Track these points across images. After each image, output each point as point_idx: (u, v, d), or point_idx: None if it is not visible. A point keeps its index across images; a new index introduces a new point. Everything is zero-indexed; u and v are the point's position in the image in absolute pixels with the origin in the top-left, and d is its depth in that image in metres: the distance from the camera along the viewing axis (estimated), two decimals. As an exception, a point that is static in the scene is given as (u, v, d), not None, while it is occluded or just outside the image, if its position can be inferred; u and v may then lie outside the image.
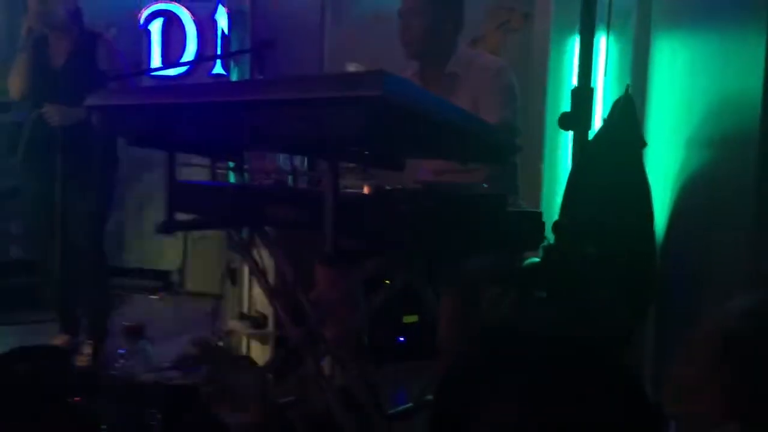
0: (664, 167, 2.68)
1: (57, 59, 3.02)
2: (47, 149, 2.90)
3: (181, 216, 2.49)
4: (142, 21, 5.00)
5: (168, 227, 2.33)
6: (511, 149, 2.15)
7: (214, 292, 3.54)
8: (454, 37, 2.32)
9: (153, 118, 2.05)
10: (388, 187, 1.92)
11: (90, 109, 2.49)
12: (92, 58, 3.01)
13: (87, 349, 3.02)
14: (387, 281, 2.57)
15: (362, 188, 2.00)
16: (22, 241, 4.94)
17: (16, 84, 2.96)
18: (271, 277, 2.60)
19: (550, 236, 1.77)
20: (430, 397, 2.35)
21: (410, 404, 2.59)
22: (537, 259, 1.90)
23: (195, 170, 3.01)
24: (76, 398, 1.55)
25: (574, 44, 3.80)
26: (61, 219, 2.96)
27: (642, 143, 2.56)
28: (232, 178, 3.32)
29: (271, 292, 2.49)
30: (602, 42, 3.43)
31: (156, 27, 5.00)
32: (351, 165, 2.56)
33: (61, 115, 2.87)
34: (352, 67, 3.16)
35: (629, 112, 2.52)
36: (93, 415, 1.28)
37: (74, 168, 2.91)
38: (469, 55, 2.34)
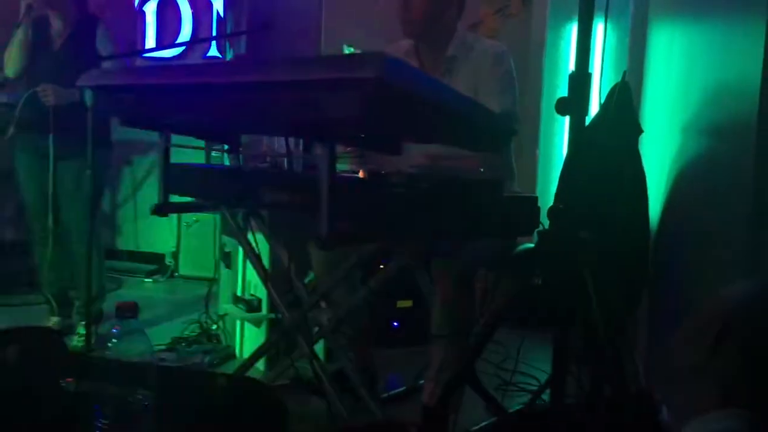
0: (660, 154, 2.68)
1: (56, 40, 2.99)
2: (40, 129, 2.87)
3: (176, 199, 2.49)
4: (137, 2, 4.96)
5: (162, 209, 2.32)
6: (509, 136, 2.14)
7: (208, 276, 3.53)
8: (455, 20, 2.29)
9: (146, 99, 2.03)
10: (383, 172, 1.91)
11: (82, 88, 2.47)
12: (91, 41, 2.98)
13: (80, 331, 3.02)
14: (382, 266, 2.57)
15: (358, 172, 2.00)
16: (16, 223, 4.92)
17: (12, 62, 2.92)
18: (265, 261, 2.60)
19: (545, 221, 1.76)
20: (422, 381, 2.35)
21: (403, 388, 2.60)
22: (532, 245, 1.90)
23: (190, 153, 2.99)
24: (69, 379, 1.54)
25: (572, 30, 3.79)
26: (54, 200, 2.94)
27: (638, 130, 2.56)
28: (227, 160, 3.31)
29: (265, 276, 2.48)
30: (600, 28, 3.42)
31: (151, 8, 4.96)
32: (347, 149, 2.55)
33: (55, 95, 2.84)
34: (347, 50, 3.14)
35: (626, 98, 2.52)
36: (85, 396, 1.28)
37: (67, 149, 2.88)
38: (469, 38, 2.31)
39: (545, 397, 2.25)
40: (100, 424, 1.21)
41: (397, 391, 2.60)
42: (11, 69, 2.94)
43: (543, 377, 2.58)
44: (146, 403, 1.20)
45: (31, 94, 2.86)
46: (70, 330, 3.15)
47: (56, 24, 3.02)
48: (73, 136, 2.80)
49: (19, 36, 2.89)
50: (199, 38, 4.70)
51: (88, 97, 2.40)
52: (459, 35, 2.29)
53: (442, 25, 2.25)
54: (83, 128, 2.74)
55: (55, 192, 2.94)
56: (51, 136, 2.86)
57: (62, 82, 2.83)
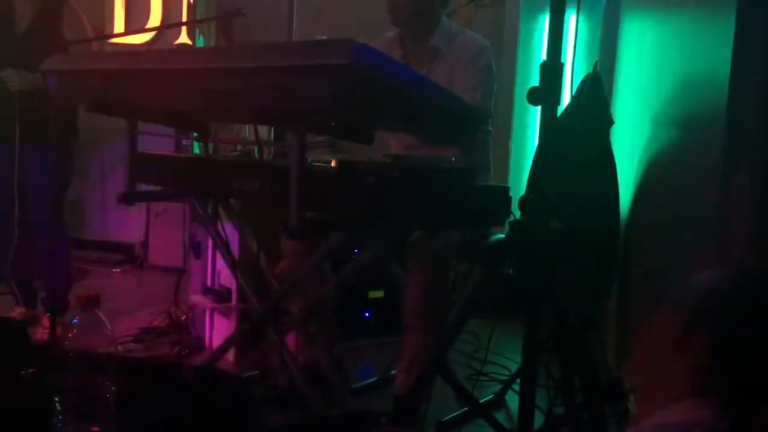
0: (630, 145, 2.69)
1: (20, 24, 2.91)
2: (4, 115, 2.80)
3: (144, 187, 2.44)
4: (105, -14, 4.86)
5: (129, 198, 2.29)
6: (476, 129, 2.13)
7: (178, 266, 3.48)
8: (439, 10, 2.29)
9: (112, 84, 1.99)
10: (354, 161, 1.89)
11: (46, 72, 2.41)
12: (57, 24, 2.90)
13: (45, 322, 2.96)
14: (353, 255, 2.56)
15: (330, 162, 1.97)
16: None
17: None
18: (235, 250, 2.56)
19: (517, 212, 1.76)
20: (394, 371, 2.35)
21: (375, 378, 2.59)
22: (503, 235, 1.89)
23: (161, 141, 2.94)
24: (30, 370, 1.50)
25: (545, 21, 3.80)
26: (18, 188, 2.87)
27: (609, 120, 2.57)
28: (196, 149, 3.26)
29: (235, 265, 2.46)
30: (572, 20, 3.43)
31: (120, -8, 4.86)
32: (319, 138, 2.52)
33: (20, 80, 2.77)
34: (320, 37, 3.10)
35: (597, 89, 2.53)
36: (46, 387, 1.24)
37: (32, 136, 2.81)
38: (453, 30, 2.31)
39: (516, 387, 2.26)
40: (61, 416, 1.18)
41: (368, 381, 2.59)
42: None
43: (514, 367, 2.59)
44: (109, 395, 1.17)
45: (-5, 78, 2.79)
46: (35, 321, 3.09)
47: (20, 8, 2.94)
48: (39, 123, 2.74)
49: None
50: (168, 24, 4.62)
51: (53, 83, 2.34)
52: (444, 26, 2.29)
53: (427, 13, 2.25)
54: (49, 114, 2.67)
55: (19, 179, 2.87)
56: (16, 123, 2.79)
57: (28, 67, 2.76)
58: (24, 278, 3.16)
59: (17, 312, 3.14)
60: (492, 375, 2.65)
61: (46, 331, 2.88)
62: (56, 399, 1.17)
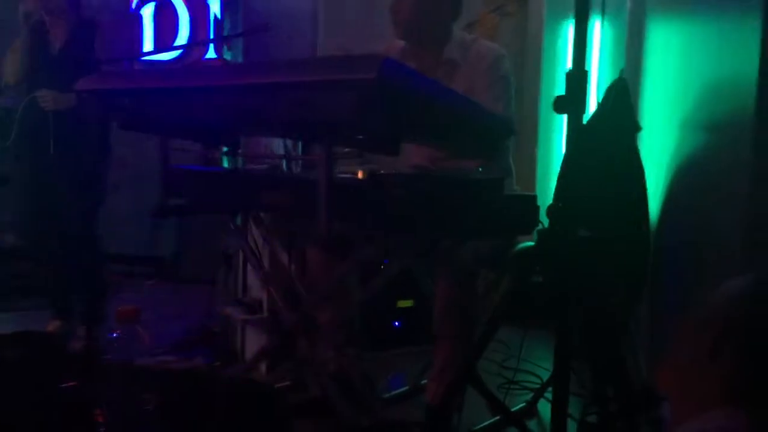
0: (658, 151, 2.68)
1: (54, 45, 2.99)
2: (39, 135, 2.88)
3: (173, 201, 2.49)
4: (134, 5, 4.96)
5: (162, 212, 2.33)
6: (504, 138, 2.14)
7: (209, 278, 3.53)
8: (448, 22, 2.28)
9: (144, 102, 2.03)
10: (381, 172, 1.91)
11: (81, 93, 2.48)
12: (89, 45, 2.98)
13: (81, 335, 3.02)
14: (382, 266, 2.58)
15: (357, 173, 2.00)
16: (14, 228, 4.92)
17: (11, 68, 2.93)
18: (265, 262, 2.60)
19: (544, 220, 1.76)
20: (425, 381, 2.35)
21: (406, 388, 2.60)
22: (531, 243, 1.90)
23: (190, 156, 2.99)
24: (70, 383, 1.54)
25: (569, 28, 3.79)
26: (54, 205, 2.94)
27: (636, 127, 2.56)
28: (225, 162, 3.31)
29: (265, 277, 2.49)
30: (597, 26, 3.43)
31: (148, 12, 4.96)
32: (346, 150, 2.55)
33: (54, 100, 2.85)
34: (344, 51, 3.14)
35: (623, 95, 2.52)
36: (87, 399, 1.28)
37: (67, 153, 2.88)
38: (466, 40, 2.30)
39: (548, 395, 2.26)
40: (103, 428, 1.22)
41: (399, 391, 2.60)
42: (11, 75, 2.94)
43: (545, 375, 2.58)
44: (148, 406, 1.20)
45: (30, 99, 2.87)
46: (72, 334, 3.15)
47: (54, 29, 3.02)
48: (73, 140, 2.81)
49: (18, 43, 2.90)
50: (196, 41, 4.71)
51: (87, 102, 2.40)
52: (457, 37, 2.28)
53: (433, 26, 2.24)
54: (83, 132, 2.74)
55: (56, 196, 2.94)
56: (51, 141, 2.86)
57: (61, 87, 2.83)
58: (60, 292, 3.22)
59: (54, 325, 3.20)
60: (523, 383, 2.64)
61: (82, 344, 2.94)
62: (98, 411, 1.20)
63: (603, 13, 3.38)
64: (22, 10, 2.94)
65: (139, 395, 1.26)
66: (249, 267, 2.97)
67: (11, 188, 4.26)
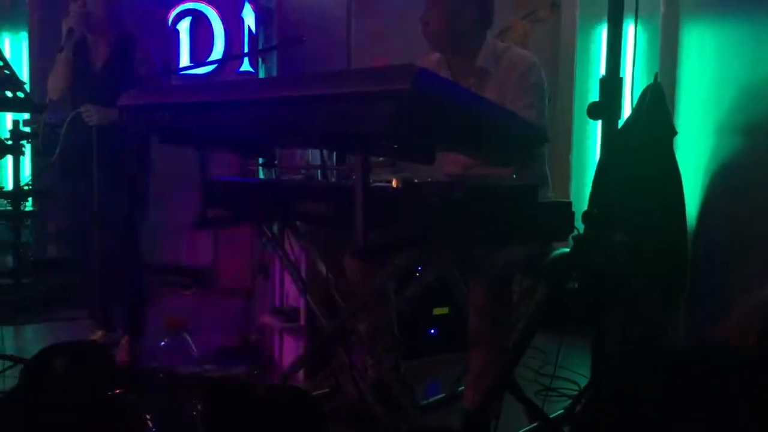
0: (695, 154, 2.65)
1: (96, 61, 3.08)
2: (83, 149, 2.96)
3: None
4: (170, 21, 5.07)
5: (202, 224, 2.38)
6: (538, 145, 2.14)
7: (246, 287, 3.58)
8: (480, 31, 2.30)
9: (185, 117, 2.08)
10: (416, 181, 1.93)
11: (123, 108, 2.54)
12: (129, 60, 3.06)
13: (124, 344, 3.08)
14: (417, 273, 2.59)
15: (391, 181, 2.02)
16: (58, 240, 5.05)
17: (56, 85, 3.01)
18: (302, 271, 2.63)
19: (580, 226, 1.76)
20: (461, 388, 2.36)
21: (443, 395, 2.61)
22: (567, 249, 1.90)
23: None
24: (116, 391, 1.58)
25: (602, 33, 3.78)
26: (97, 217, 3.02)
27: (672, 131, 2.54)
28: (261, 173, 3.37)
29: (303, 286, 2.52)
30: (630, 30, 3.41)
31: (184, 26, 5.06)
32: (379, 159, 2.57)
33: (98, 115, 2.92)
34: (377, 62, 3.17)
35: (658, 100, 2.51)
36: (137, 407, 1.32)
37: (110, 167, 2.96)
38: (498, 48, 2.31)
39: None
40: (150, 434, 1.25)
41: (436, 398, 2.61)
42: (55, 91, 3.02)
43: (583, 381, 2.57)
44: (194, 413, 1.23)
45: (74, 115, 2.95)
46: (114, 344, 3.22)
47: (96, 46, 3.10)
48: (115, 154, 2.88)
49: (61, 60, 2.98)
50: (231, 55, 4.79)
51: (129, 117, 2.47)
52: (489, 45, 2.29)
53: (463, 36, 2.26)
54: (124, 147, 2.81)
55: (99, 209, 3.01)
56: (95, 155, 2.94)
57: (104, 102, 2.91)
58: (103, 303, 3.30)
59: (97, 336, 3.28)
60: (561, 390, 2.63)
61: (125, 352, 3.00)
62: (148, 417, 1.24)
63: (636, 17, 3.36)
64: (65, 27, 3.02)
65: (183, 403, 1.29)
66: (286, 276, 3.01)
67: (55, 201, 4.39)
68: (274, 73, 3.68)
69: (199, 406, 1.25)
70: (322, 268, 2.45)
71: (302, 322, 2.89)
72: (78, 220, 3.18)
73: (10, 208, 4.29)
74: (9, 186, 4.63)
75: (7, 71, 2.38)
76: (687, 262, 2.51)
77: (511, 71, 2.23)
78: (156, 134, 2.44)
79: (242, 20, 4.93)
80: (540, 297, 2.06)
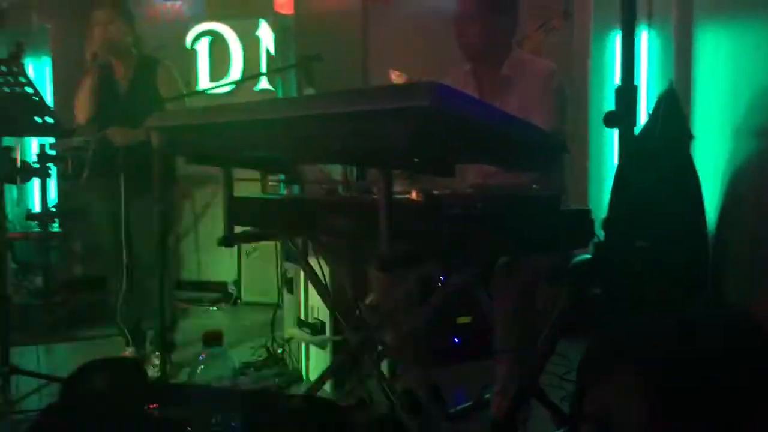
0: (712, 158, 2.67)
1: (120, 84, 3.16)
2: (110, 170, 3.03)
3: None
4: (189, 42, 5.16)
5: (229, 240, 2.43)
6: (558, 154, 2.17)
7: (271, 301, 3.64)
8: (509, 41, 2.36)
9: (208, 137, 2.14)
10: (435, 192, 1.97)
11: (150, 129, 2.61)
12: (152, 82, 3.13)
13: (155, 360, 3.14)
14: (440, 283, 2.63)
15: (410, 193, 2.06)
16: (85, 260, 5.15)
17: (82, 109, 3.09)
18: (327, 283, 2.67)
19: (599, 233, 1.79)
20: (488, 395, 2.39)
21: (469, 403, 2.63)
22: (588, 256, 1.93)
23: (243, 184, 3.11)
24: (152, 405, 1.63)
25: (616, 39, 3.80)
26: (127, 237, 3.09)
27: (689, 136, 2.57)
28: (282, 189, 3.42)
29: (329, 298, 2.56)
30: (643, 36, 3.43)
31: (203, 46, 5.15)
32: (397, 171, 2.61)
33: (123, 137, 3.00)
34: (394, 75, 3.22)
35: (674, 106, 2.54)
36: (176, 420, 1.37)
37: (137, 187, 3.03)
38: (523, 58, 2.37)
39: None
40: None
41: (463, 406, 2.63)
42: (82, 115, 3.10)
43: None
44: (233, 424, 1.28)
45: (101, 137, 3.03)
46: (145, 360, 3.28)
47: (120, 69, 3.18)
48: (142, 174, 2.95)
49: (87, 84, 3.06)
50: (250, 75, 4.87)
51: (155, 138, 2.54)
52: (514, 55, 2.35)
53: (496, 46, 2.32)
54: (151, 167, 2.88)
55: (127, 229, 3.08)
56: (122, 176, 3.01)
57: (129, 124, 2.99)
58: (132, 320, 3.37)
59: (127, 352, 3.34)
60: (585, 396, 2.64)
61: (157, 369, 3.06)
62: (189, 429, 1.29)
63: (649, 22, 3.39)
64: (89, 52, 3.11)
65: (221, 415, 1.34)
66: (311, 289, 3.05)
67: (83, 222, 4.47)
68: (293, 90, 3.74)
69: (236, 419, 1.30)
70: (346, 280, 2.49)
71: (328, 333, 2.93)
72: (106, 239, 3.25)
73: (38, 229, 4.39)
74: (36, 208, 4.75)
75: (36, 98, 2.45)
76: (708, 265, 2.53)
77: (533, 79, 2.29)
78: (182, 155, 2.51)
79: (260, 40, 5.02)
80: (563, 303, 2.09)
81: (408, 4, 4.43)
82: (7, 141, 3.35)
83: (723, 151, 2.54)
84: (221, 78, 5.08)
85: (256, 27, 5.01)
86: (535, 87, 2.27)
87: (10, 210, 4.75)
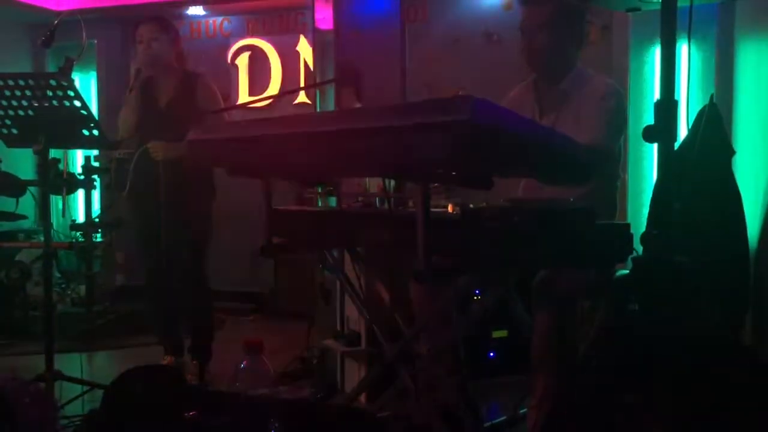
0: (754, 173, 2.63)
1: (161, 99, 3.23)
2: (151, 182, 3.10)
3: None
4: (230, 56, 5.26)
5: (268, 251, 2.46)
6: (594, 170, 2.16)
7: (306, 312, 3.67)
8: (574, 54, 2.36)
9: (249, 150, 2.18)
10: (471, 205, 1.98)
11: (192, 143, 2.67)
12: (192, 96, 3.20)
13: (193, 369, 3.19)
14: (476, 296, 2.63)
15: (446, 206, 2.07)
16: (126, 270, 5.26)
17: (125, 123, 3.17)
18: (363, 295, 2.69)
19: (638, 248, 1.78)
20: (523, 410, 2.38)
21: (504, 417, 2.62)
22: (627, 272, 1.91)
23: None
24: (191, 413, 1.66)
25: (655, 53, 3.77)
26: (167, 248, 3.15)
27: (730, 151, 2.54)
28: (320, 201, 3.46)
29: (365, 310, 2.58)
30: (684, 50, 3.40)
31: (243, 61, 5.25)
32: (434, 184, 2.63)
33: (164, 151, 3.06)
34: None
35: (715, 121, 2.51)
36: (216, 428, 1.39)
37: (176, 199, 3.09)
38: (585, 75, 2.37)
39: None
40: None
41: (498, 420, 2.62)
42: (125, 129, 3.18)
43: (646, 404, 2.55)
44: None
45: (142, 151, 3.10)
46: (183, 369, 3.33)
47: (161, 83, 3.26)
48: (182, 187, 3.01)
49: (130, 99, 3.14)
50: (289, 89, 4.94)
51: (196, 151, 2.59)
52: (577, 70, 2.35)
53: (561, 58, 2.33)
54: (191, 179, 2.94)
55: (167, 240, 3.14)
56: (162, 188, 3.08)
57: (170, 138, 3.05)
58: (172, 329, 3.42)
59: (166, 361, 3.39)
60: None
61: (195, 377, 3.11)
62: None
63: (689, 36, 3.36)
64: (134, 68, 3.19)
65: (261, 424, 1.36)
66: (347, 299, 3.07)
67: (124, 232, 4.58)
68: (330, 105, 3.78)
69: (276, 427, 1.32)
70: (383, 292, 2.51)
71: (363, 345, 2.94)
72: (147, 250, 3.32)
73: (82, 239, 4.50)
74: (81, 218, 4.87)
75: (84, 111, 2.52)
76: (749, 279, 2.49)
77: (590, 95, 2.29)
78: (223, 167, 2.55)
79: (298, 53, 5.09)
80: (601, 319, 2.08)
81: (444, 22, 4.47)
82: (54, 153, 3.46)
83: (765, 165, 2.51)
84: (260, 92, 5.17)
85: (295, 42, 5.09)
86: (591, 104, 2.27)
87: (56, 220, 4.89)
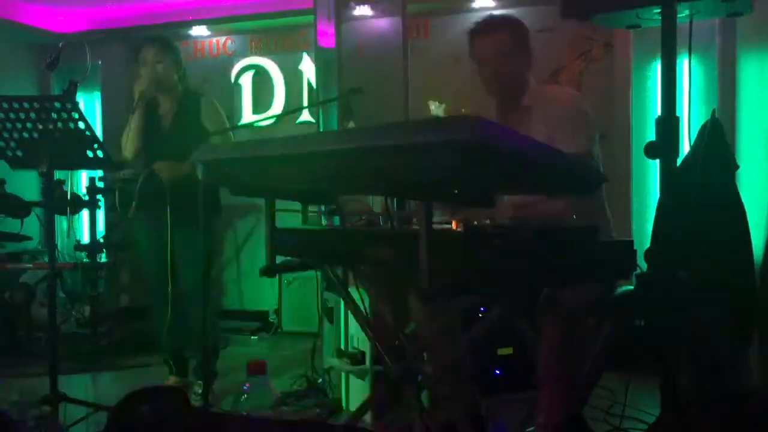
0: (759, 188, 2.63)
1: (165, 119, 3.25)
2: (157, 202, 3.11)
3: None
4: (233, 76, 5.30)
5: (271, 271, 2.46)
6: (597, 179, 2.16)
7: (311, 331, 3.66)
8: (525, 77, 2.43)
9: (253, 169, 2.19)
10: (475, 222, 1.98)
11: (196, 162, 2.68)
12: (195, 116, 3.22)
13: (197, 389, 3.18)
14: (481, 314, 2.62)
15: (449, 223, 2.07)
16: (130, 290, 5.26)
17: (129, 145, 3.19)
18: (366, 313, 2.68)
19: (642, 264, 1.78)
20: (531, 429, 2.36)
21: (511, 435, 2.60)
22: (630, 287, 1.91)
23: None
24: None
25: (657, 68, 3.78)
26: (172, 267, 3.15)
27: (733, 166, 2.53)
28: (323, 220, 3.46)
29: (369, 329, 2.57)
30: (685, 65, 3.41)
31: (246, 80, 5.28)
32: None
33: (169, 171, 3.08)
34: (433, 106, 3.26)
35: (717, 135, 2.51)
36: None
37: (182, 218, 3.10)
38: (541, 89, 2.45)
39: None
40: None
41: (504, 438, 2.61)
42: (129, 152, 3.20)
43: (652, 421, 2.53)
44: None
45: (148, 171, 3.11)
46: (187, 389, 3.32)
47: (165, 104, 3.28)
48: (187, 206, 3.02)
49: (134, 121, 3.16)
50: (294, 108, 4.97)
51: (200, 171, 2.60)
52: (532, 87, 2.42)
53: (514, 83, 2.40)
54: (196, 199, 2.94)
55: (173, 259, 3.14)
56: (168, 208, 3.08)
57: (174, 157, 3.07)
58: (176, 349, 3.42)
59: (171, 381, 3.39)
60: (630, 430, 2.59)
61: (199, 397, 3.10)
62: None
63: (690, 51, 3.36)
64: (137, 90, 3.21)
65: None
66: (351, 319, 3.06)
67: (130, 252, 4.59)
68: (334, 123, 3.80)
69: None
70: (386, 311, 2.50)
71: (368, 364, 2.93)
72: (151, 270, 3.32)
73: (86, 260, 4.51)
74: (85, 239, 4.88)
75: (88, 132, 2.54)
76: (755, 295, 2.47)
77: (552, 105, 2.35)
78: (227, 187, 2.56)
79: (301, 72, 5.12)
80: (606, 335, 2.07)
81: (445, 39, 4.50)
82: (58, 173, 3.48)
83: (769, 180, 2.51)
84: (264, 111, 5.20)
85: (298, 61, 5.12)
86: (553, 114, 2.31)
87: (60, 241, 4.92)
